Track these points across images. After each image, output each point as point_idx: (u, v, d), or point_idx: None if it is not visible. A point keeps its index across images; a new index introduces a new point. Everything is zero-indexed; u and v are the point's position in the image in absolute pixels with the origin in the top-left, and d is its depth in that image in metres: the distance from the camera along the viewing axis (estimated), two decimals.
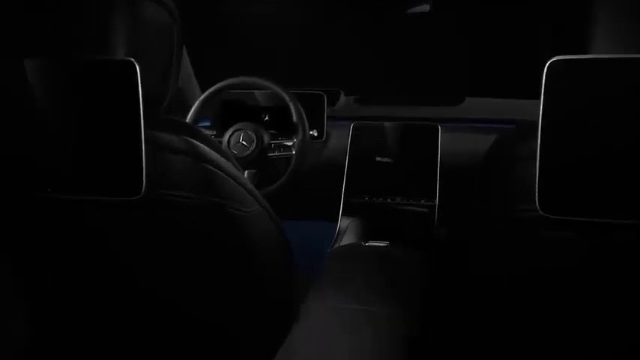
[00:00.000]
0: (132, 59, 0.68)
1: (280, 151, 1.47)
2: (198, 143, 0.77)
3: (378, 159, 1.54)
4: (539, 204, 0.59)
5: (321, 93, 1.64)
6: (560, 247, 0.63)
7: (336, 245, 1.32)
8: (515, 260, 0.67)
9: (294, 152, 1.45)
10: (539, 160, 0.58)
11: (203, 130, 1.50)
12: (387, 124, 1.58)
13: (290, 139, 1.48)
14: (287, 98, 1.46)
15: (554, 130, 0.58)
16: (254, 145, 1.46)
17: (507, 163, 0.69)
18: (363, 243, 1.26)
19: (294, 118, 1.46)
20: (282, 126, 1.59)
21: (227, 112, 1.69)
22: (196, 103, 1.51)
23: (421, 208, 1.47)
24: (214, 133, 1.54)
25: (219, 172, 0.78)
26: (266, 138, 1.47)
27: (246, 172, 1.49)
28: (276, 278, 0.94)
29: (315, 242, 1.45)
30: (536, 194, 0.59)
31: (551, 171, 0.58)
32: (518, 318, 0.70)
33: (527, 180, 0.60)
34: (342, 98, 1.78)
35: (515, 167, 0.66)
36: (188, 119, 1.50)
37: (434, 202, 1.46)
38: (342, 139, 1.62)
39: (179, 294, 0.81)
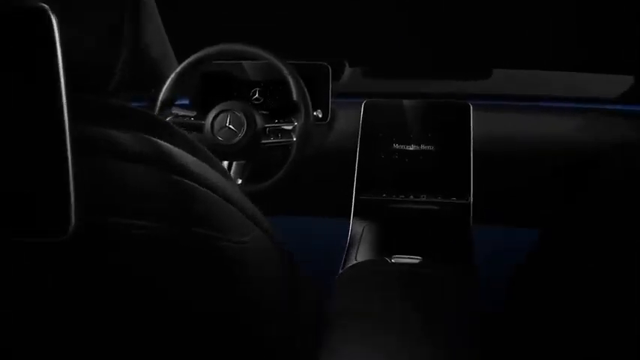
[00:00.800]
0: (44, 5, 0.38)
1: (277, 138, 1.18)
2: (170, 146, 0.48)
3: (397, 146, 1.26)
4: None
5: (325, 64, 1.34)
6: None
7: (350, 261, 1.03)
8: None
9: (294, 139, 1.16)
10: None
11: (179, 112, 1.20)
12: (406, 102, 1.30)
13: (289, 122, 1.18)
14: (285, 71, 1.16)
15: None
16: (244, 130, 1.16)
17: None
18: (387, 259, 0.98)
19: (294, 96, 1.16)
20: (279, 106, 1.29)
21: (210, 88, 1.39)
22: (170, 77, 1.20)
23: (452, 207, 1.19)
24: (194, 114, 1.23)
25: (202, 188, 0.49)
26: (259, 121, 1.18)
27: (234, 163, 1.20)
28: (278, 328, 0.66)
29: (320, 247, 1.17)
30: None
31: None
32: None
33: None
34: (347, 70, 1.48)
35: None
36: (161, 98, 1.20)
37: (468, 199, 1.18)
38: (350, 120, 1.33)
39: None
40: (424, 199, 1.20)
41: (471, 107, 1.27)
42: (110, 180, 0.44)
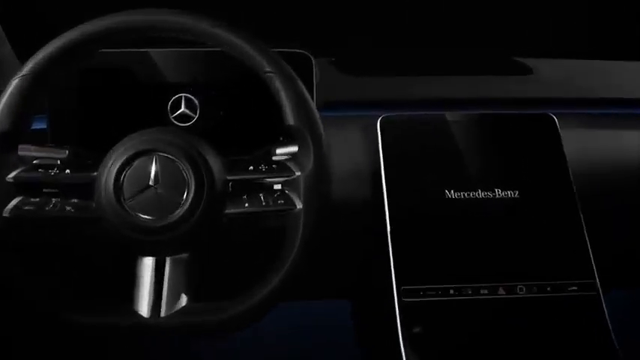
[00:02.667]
0: None
1: (255, 202, 0.58)
2: None
3: (451, 194, 0.72)
4: None
5: (304, 52, 0.76)
6: None
7: None
8: None
9: (296, 204, 0.57)
10: None
11: (37, 151, 0.58)
12: (449, 116, 0.76)
13: (277, 168, 0.59)
14: (265, 64, 0.57)
15: None
16: (189, 192, 0.55)
17: None
18: None
19: (290, 116, 0.58)
20: (247, 135, 0.71)
21: (95, 102, 0.76)
22: (11, 86, 0.56)
23: (567, 301, 0.67)
24: (64, 155, 0.60)
25: None
26: (217, 169, 0.57)
27: (167, 262, 0.58)
28: None
29: None
30: None
31: None
32: None
33: None
34: (326, 63, 0.91)
35: None
36: None
37: (593, 282, 0.68)
38: (355, 147, 0.77)
39: None
40: (522, 291, 0.67)
41: (557, 122, 0.76)
42: None
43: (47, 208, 0.55)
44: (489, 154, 0.74)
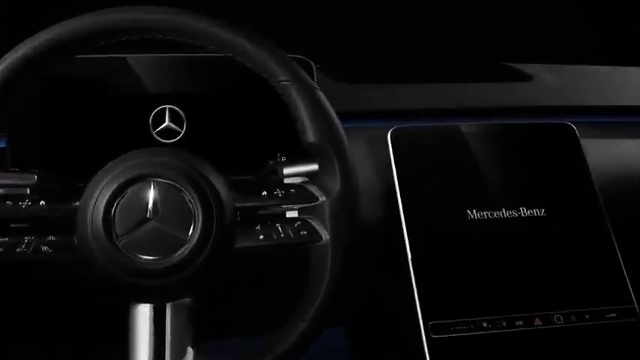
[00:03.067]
0: None
1: (270, 234, 0.49)
2: None
3: (474, 214, 0.65)
4: None
5: (304, 59, 0.68)
6: None
7: None
8: None
9: (322, 235, 0.48)
10: None
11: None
12: (464, 127, 0.69)
13: (295, 193, 0.50)
14: (278, 69, 0.49)
15: None
16: (196, 225, 0.46)
17: None
18: None
19: (311, 133, 0.49)
20: (245, 152, 0.62)
21: (63, 117, 0.65)
22: None
23: (607, 330, 0.62)
24: (27, 182, 0.50)
25: None
26: (226, 196, 0.48)
27: (168, 309, 0.48)
28: None
29: None
30: None
31: None
32: None
33: None
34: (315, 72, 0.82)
35: None
36: None
37: (632, 307, 0.62)
38: (360, 161, 0.68)
39: None
40: (560, 322, 0.61)
41: (577, 131, 0.71)
42: None
43: (18, 250, 0.45)
44: (509, 169, 0.68)
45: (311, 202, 0.49)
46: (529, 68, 0.78)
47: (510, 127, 0.71)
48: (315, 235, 0.48)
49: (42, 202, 0.47)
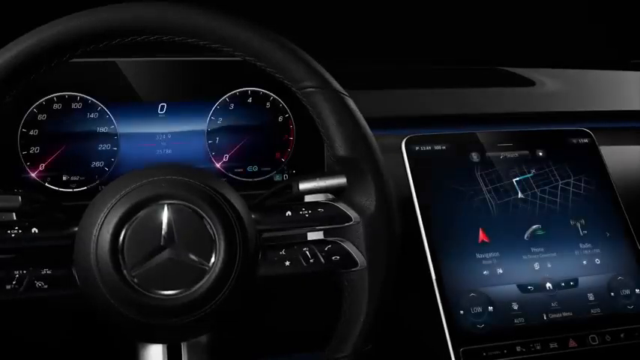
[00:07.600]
0: None
1: (300, 264, 0.43)
2: None
3: (500, 226, 0.61)
4: None
5: None
6: None
7: None
8: None
9: (359, 262, 0.43)
10: None
11: None
12: (480, 135, 0.65)
13: (324, 212, 0.45)
14: (304, 74, 0.44)
15: None
16: (218, 253, 0.40)
17: None
18: None
19: (339, 142, 0.44)
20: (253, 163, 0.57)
21: (44, 128, 0.58)
22: None
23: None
24: (12, 205, 0.43)
25: None
26: (247, 219, 0.42)
27: (184, 348, 0.42)
28: None
29: None
30: None
31: None
32: None
33: None
34: None
35: None
36: None
37: None
38: None
39: None
40: (595, 343, 0.57)
41: (595, 139, 0.68)
42: None
43: (9, 287, 0.38)
44: (528, 177, 0.64)
45: (343, 223, 0.44)
46: (541, 74, 0.75)
47: (526, 134, 0.67)
48: (349, 260, 0.43)
49: (34, 230, 0.40)
